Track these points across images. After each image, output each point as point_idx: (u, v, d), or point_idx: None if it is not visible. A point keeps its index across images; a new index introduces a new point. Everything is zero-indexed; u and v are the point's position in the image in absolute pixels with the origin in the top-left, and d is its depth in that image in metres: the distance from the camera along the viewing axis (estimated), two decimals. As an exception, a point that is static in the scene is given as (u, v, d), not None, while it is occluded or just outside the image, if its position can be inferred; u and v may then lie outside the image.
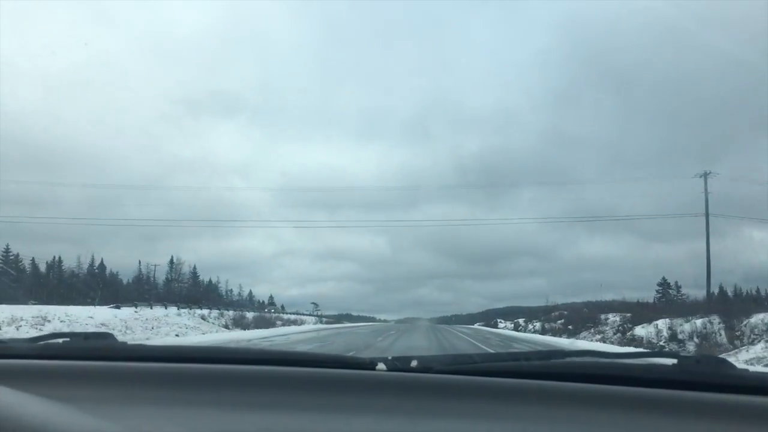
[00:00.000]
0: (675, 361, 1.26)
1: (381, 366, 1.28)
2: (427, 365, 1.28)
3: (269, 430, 1.00)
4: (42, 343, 1.49)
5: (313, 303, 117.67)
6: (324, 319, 68.69)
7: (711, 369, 1.22)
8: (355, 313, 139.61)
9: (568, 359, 1.35)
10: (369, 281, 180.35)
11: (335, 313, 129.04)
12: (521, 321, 59.59)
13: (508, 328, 63.09)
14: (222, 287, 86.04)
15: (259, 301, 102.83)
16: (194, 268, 76.77)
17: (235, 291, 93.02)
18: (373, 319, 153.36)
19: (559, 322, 43.86)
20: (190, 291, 68.79)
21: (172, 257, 73.04)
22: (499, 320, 73.43)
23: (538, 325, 51.33)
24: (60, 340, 1.53)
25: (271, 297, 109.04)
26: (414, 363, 1.29)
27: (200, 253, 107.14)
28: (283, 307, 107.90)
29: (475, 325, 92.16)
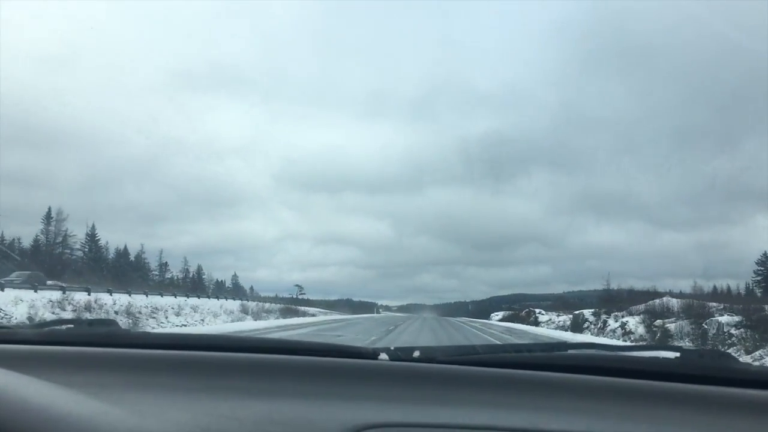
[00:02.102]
0: (678, 354, 1.26)
1: (383, 356, 1.27)
2: (429, 355, 1.27)
3: (271, 418, 1.00)
4: (47, 329, 1.52)
5: (297, 285, 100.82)
6: (255, 307, 42.09)
7: (714, 362, 1.23)
8: (356, 299, 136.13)
9: (571, 351, 1.36)
10: (372, 266, 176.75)
11: (336, 298, 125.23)
12: (588, 313, 36.11)
13: (555, 326, 39.59)
14: (151, 261, 63.91)
15: (217, 281, 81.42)
16: (92, 228, 54.04)
17: (177, 267, 71.42)
18: (372, 307, 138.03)
19: (729, 323, 20.27)
20: (74, 263, 46.21)
21: (48, 209, 50.55)
22: (538, 311, 49.87)
23: (639, 328, 27.42)
24: (64, 327, 1.55)
25: (234, 275, 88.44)
26: (417, 353, 1.28)
27: (200, 236, 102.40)
28: (252, 288, 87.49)
29: (493, 319, 69.42)
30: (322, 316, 51.51)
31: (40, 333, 1.46)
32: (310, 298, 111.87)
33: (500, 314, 76.52)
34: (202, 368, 1.20)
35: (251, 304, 42.37)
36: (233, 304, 40.83)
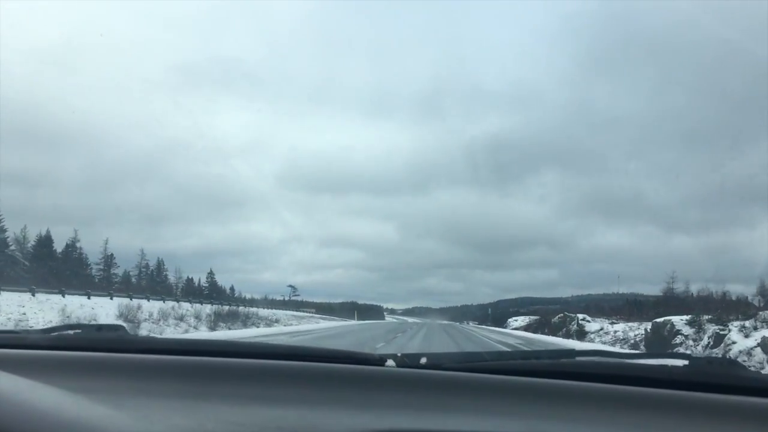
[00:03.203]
0: (686, 362, 1.26)
1: (390, 362, 1.28)
2: (436, 362, 1.27)
3: (278, 424, 1.00)
4: (55, 334, 1.52)
5: (290, 286, 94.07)
6: (157, 311, 27.69)
7: (723, 370, 1.22)
8: (361, 302, 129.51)
9: (578, 359, 1.35)
10: (377, 269, 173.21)
11: (341, 301, 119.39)
12: (679, 322, 23.94)
13: (613, 339, 28.05)
14: (93, 255, 52.21)
15: (188, 280, 69.41)
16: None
17: (133, 262, 60.10)
18: (377, 312, 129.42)
19: None
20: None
21: None
22: (581, 317, 37.34)
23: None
24: (72, 332, 1.56)
25: (210, 273, 76.51)
26: (423, 360, 1.28)
27: (206, 238, 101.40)
28: (232, 288, 76.76)
29: (511, 327, 56.46)
30: (294, 325, 39.08)
31: (48, 338, 1.46)
32: (305, 299, 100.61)
33: (520, 320, 62.71)
34: (209, 374, 1.21)
35: (152, 306, 28.79)
36: (111, 307, 26.60)
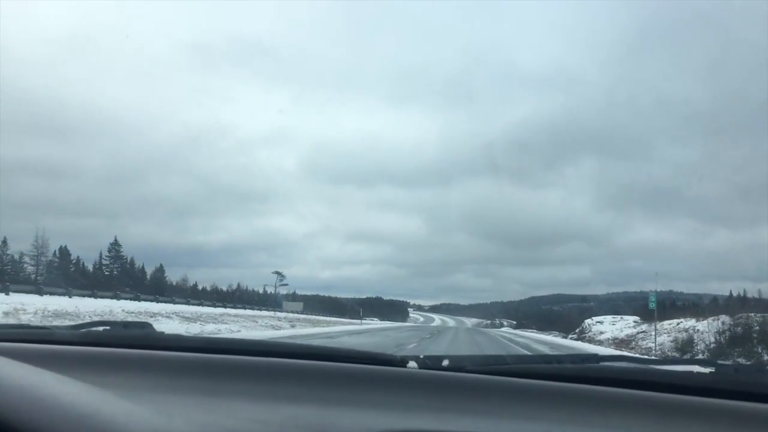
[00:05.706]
0: (713, 368, 1.26)
1: (412, 364, 1.29)
2: (459, 364, 1.29)
3: (297, 422, 1.01)
4: (83, 330, 1.58)
5: (276, 272, 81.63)
6: None
7: (750, 378, 1.21)
8: (387, 298, 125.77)
9: (603, 364, 1.36)
10: (404, 264, 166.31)
11: (368, 296, 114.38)
12: None
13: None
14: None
15: (58, 257, 55.30)
16: None
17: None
18: (399, 309, 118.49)
19: None
20: None
21: None
22: None
23: None
24: (101, 328, 1.61)
25: (115, 245, 61.56)
26: (446, 362, 1.30)
27: (231, 232, 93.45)
28: (162, 270, 66.95)
29: (591, 337, 39.75)
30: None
31: (76, 334, 1.51)
32: (297, 292, 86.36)
33: (609, 323, 38.71)
34: (230, 372, 1.23)
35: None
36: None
